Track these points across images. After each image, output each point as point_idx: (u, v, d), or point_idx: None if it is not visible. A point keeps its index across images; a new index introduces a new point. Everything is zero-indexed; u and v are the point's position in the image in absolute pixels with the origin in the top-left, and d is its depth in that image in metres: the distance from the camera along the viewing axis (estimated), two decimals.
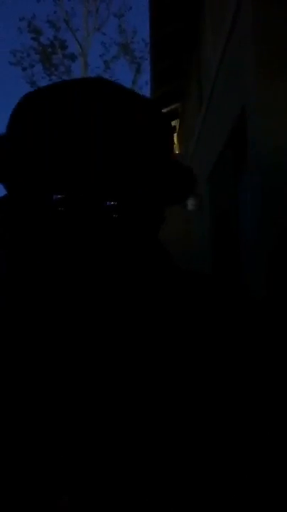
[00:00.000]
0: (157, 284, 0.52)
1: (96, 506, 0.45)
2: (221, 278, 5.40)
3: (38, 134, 0.46)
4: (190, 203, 7.42)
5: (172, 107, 9.45)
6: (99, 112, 0.46)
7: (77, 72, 17.33)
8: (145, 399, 0.47)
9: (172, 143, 0.52)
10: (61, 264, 0.46)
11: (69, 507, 0.45)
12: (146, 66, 16.43)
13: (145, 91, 14.79)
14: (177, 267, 0.56)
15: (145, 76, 16.35)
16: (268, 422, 0.50)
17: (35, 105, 0.47)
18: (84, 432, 0.46)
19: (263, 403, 0.50)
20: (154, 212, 0.49)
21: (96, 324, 0.47)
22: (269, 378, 0.52)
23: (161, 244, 0.55)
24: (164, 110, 9.27)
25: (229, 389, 0.50)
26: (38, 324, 0.47)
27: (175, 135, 10.90)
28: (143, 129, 0.48)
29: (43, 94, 0.48)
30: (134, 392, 0.47)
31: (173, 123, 10.25)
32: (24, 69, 16.86)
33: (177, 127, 10.47)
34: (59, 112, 0.46)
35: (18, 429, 0.46)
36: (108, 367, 0.47)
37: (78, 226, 0.45)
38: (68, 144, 0.45)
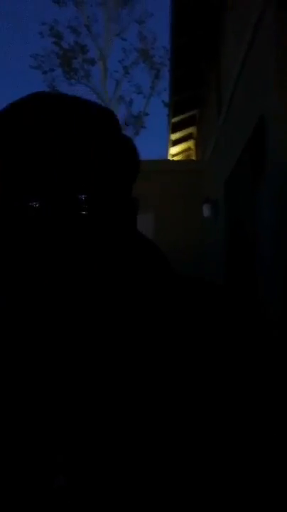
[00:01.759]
0: (145, 278, 0.52)
1: (93, 485, 0.46)
2: (234, 286, 5.37)
3: (8, 144, 0.49)
4: (206, 210, 7.40)
5: (190, 113, 9.46)
6: (59, 120, 0.50)
7: (97, 76, 17.49)
8: (139, 398, 0.48)
9: (119, 136, 0.56)
10: (39, 262, 0.47)
11: (66, 486, 0.46)
12: (165, 72, 16.49)
13: (164, 97, 14.83)
14: (168, 266, 0.56)
15: (164, 82, 16.42)
16: (267, 428, 0.50)
17: (3, 119, 0.51)
18: (82, 427, 0.47)
19: (263, 409, 0.50)
20: (122, 199, 0.52)
21: (81, 323, 0.48)
22: (265, 382, 0.52)
23: (149, 241, 0.56)
24: (181, 117, 9.27)
25: (222, 388, 0.50)
26: (23, 325, 0.49)
27: (193, 142, 10.90)
28: (99, 130, 0.52)
29: (10, 109, 0.52)
30: (127, 393, 0.48)
31: (191, 130, 10.26)
32: (44, 72, 17.08)
33: (195, 134, 10.47)
34: (24, 126, 0.49)
35: (15, 419, 0.47)
36: (100, 364, 0.48)
37: (55, 229, 0.47)
38: (37, 154, 0.48)
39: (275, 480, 0.48)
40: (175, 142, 10.46)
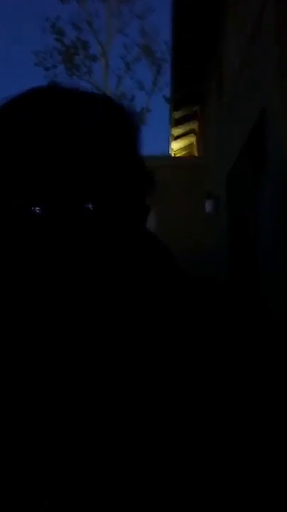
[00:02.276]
0: (153, 281, 0.52)
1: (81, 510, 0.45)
2: (237, 282, 5.33)
3: (6, 147, 0.47)
4: (208, 205, 7.38)
5: (192, 109, 9.42)
6: (62, 119, 0.47)
7: (99, 72, 17.41)
8: (142, 401, 0.48)
9: (136, 137, 0.53)
10: (44, 268, 0.46)
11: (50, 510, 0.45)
12: (167, 68, 16.41)
13: (166, 92, 14.76)
14: (176, 266, 0.56)
15: (166, 78, 16.34)
16: (269, 430, 0.50)
17: (12, 117, 0.48)
18: (81, 432, 0.47)
19: (266, 410, 0.51)
20: (130, 203, 0.50)
21: (86, 327, 0.48)
22: (271, 385, 0.52)
23: (158, 241, 0.55)
24: (183, 112, 9.21)
25: (227, 392, 0.50)
26: (23, 326, 0.48)
27: (194, 137, 10.86)
28: (107, 129, 0.49)
29: (6, 106, 0.48)
30: (130, 395, 0.48)
31: (193, 125, 10.22)
32: (47, 69, 17.03)
33: (197, 129, 10.43)
34: (23, 124, 0.47)
35: (9, 430, 0.47)
36: (101, 368, 0.48)
37: (60, 235, 0.45)
38: (41, 156, 0.46)
39: (275, 480, 0.48)
40: (177, 138, 10.42)
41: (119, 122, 0.50)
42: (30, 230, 0.46)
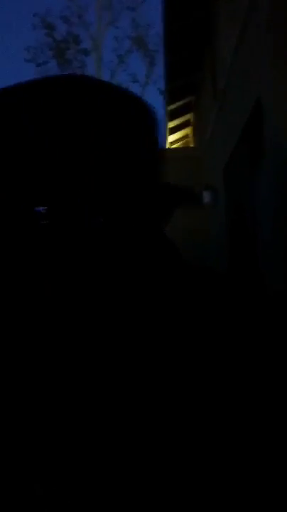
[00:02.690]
0: (162, 281, 0.51)
1: (72, 494, 0.44)
2: (236, 273, 5.36)
3: (18, 142, 0.44)
4: (206, 197, 7.37)
5: (186, 100, 9.38)
6: (83, 119, 0.44)
7: (91, 66, 17.31)
8: (148, 397, 0.47)
9: (157, 147, 0.50)
10: (47, 275, 0.45)
11: (43, 494, 0.45)
12: (160, 59, 16.32)
13: (160, 84, 14.71)
14: (185, 263, 0.55)
15: (159, 69, 16.27)
16: (269, 425, 0.50)
17: (9, 111, 0.44)
18: (80, 429, 0.46)
19: (267, 405, 0.50)
20: (142, 215, 0.48)
21: (89, 328, 0.47)
22: (273, 379, 0.52)
23: (168, 240, 0.54)
24: (178, 104, 9.19)
25: (232, 389, 0.50)
26: (34, 330, 0.47)
27: (190, 128, 10.83)
28: (125, 130, 0.45)
29: (18, 96, 0.45)
30: (135, 390, 0.48)
31: (188, 116, 10.18)
32: (38, 65, 16.94)
33: (192, 120, 10.39)
34: (38, 119, 0.43)
35: (8, 428, 0.46)
36: (107, 366, 0.48)
37: (62, 239, 0.44)
38: (49, 156, 0.43)
39: (275, 480, 0.48)
40: (173, 130, 10.39)
41: (141, 122, 0.47)
42: (33, 230, 0.44)
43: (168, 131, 10.31)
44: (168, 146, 10.87)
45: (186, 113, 9.95)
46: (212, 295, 0.54)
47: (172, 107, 9.23)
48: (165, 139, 10.81)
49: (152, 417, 0.47)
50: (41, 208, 0.43)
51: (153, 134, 0.49)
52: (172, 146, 11.03)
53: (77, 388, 0.47)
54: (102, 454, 0.46)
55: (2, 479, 0.45)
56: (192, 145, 10.88)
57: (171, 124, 10.02)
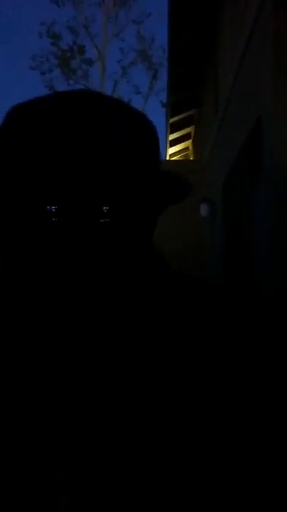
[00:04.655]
0: (152, 288, 0.52)
1: (95, 504, 0.45)
2: (233, 286, 5.36)
3: (29, 145, 0.46)
4: (203, 210, 7.39)
5: (188, 113, 9.46)
6: (88, 122, 0.47)
7: (95, 77, 17.47)
8: (142, 400, 0.48)
9: (158, 151, 0.54)
10: (56, 273, 0.46)
11: (69, 505, 0.45)
12: (163, 72, 16.49)
13: (162, 97, 14.83)
14: (173, 271, 0.56)
15: (162, 82, 16.41)
16: (268, 426, 0.50)
17: (26, 117, 0.48)
18: (84, 431, 0.47)
19: (265, 407, 0.50)
20: (145, 217, 0.50)
21: (91, 329, 0.48)
22: (268, 382, 0.52)
23: (155, 249, 0.55)
24: (180, 117, 9.25)
25: (226, 390, 0.50)
26: (34, 329, 0.48)
27: (191, 141, 10.90)
28: (132, 139, 0.49)
29: (34, 106, 0.48)
30: (131, 394, 0.48)
31: (189, 129, 10.25)
32: (43, 73, 17.06)
33: (193, 134, 10.47)
34: (49, 123, 0.46)
35: (17, 428, 0.47)
36: (104, 370, 0.48)
37: (72, 236, 0.46)
38: (59, 155, 0.45)
39: (276, 480, 0.48)
40: (173, 142, 10.46)
41: (142, 131, 0.50)
42: (44, 228, 0.45)
43: (168, 144, 10.38)
44: (167, 158, 10.93)
45: (187, 126, 10.02)
46: (201, 304, 0.55)
47: (174, 119, 9.30)
48: (165, 151, 10.88)
49: (148, 421, 0.47)
50: (52, 206, 0.45)
51: (156, 148, 0.52)
52: (172, 158, 11.09)
53: (77, 389, 0.47)
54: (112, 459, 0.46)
55: (26, 491, 0.45)
56: (192, 158, 10.94)
57: (172, 137, 10.08)
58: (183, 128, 10.01)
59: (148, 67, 17.16)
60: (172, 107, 8.93)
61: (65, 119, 0.46)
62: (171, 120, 9.28)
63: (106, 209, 0.46)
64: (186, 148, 11.28)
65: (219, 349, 0.52)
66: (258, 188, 4.22)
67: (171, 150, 10.84)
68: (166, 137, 10.02)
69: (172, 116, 9.16)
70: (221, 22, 6.36)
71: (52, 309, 0.47)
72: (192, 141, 10.80)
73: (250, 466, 0.48)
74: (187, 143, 11.01)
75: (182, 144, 10.92)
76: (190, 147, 11.14)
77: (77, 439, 0.47)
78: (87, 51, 17.02)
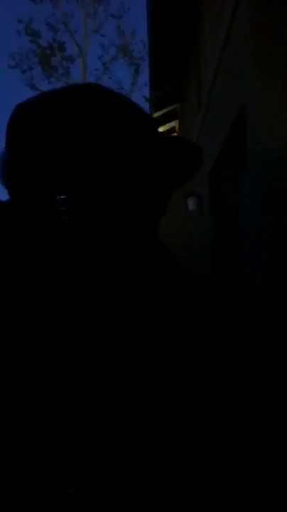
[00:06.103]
0: (156, 281, 0.52)
1: (106, 491, 0.46)
2: (222, 277, 5.40)
3: (39, 138, 0.47)
4: (191, 204, 7.41)
5: (172, 107, 9.45)
6: (96, 117, 0.48)
7: (76, 73, 17.37)
8: (145, 396, 0.48)
9: (155, 126, 0.55)
10: (64, 265, 0.47)
11: (79, 492, 0.46)
12: (145, 67, 16.48)
13: (145, 92, 14.82)
14: (177, 264, 0.56)
15: (145, 77, 16.40)
16: (267, 421, 0.50)
17: (34, 111, 0.49)
18: (93, 419, 0.47)
19: (262, 402, 0.51)
20: (155, 203, 0.51)
21: (96, 322, 0.48)
22: (268, 377, 0.52)
23: (161, 241, 0.56)
24: (163, 111, 9.24)
25: (227, 386, 0.50)
26: (38, 323, 0.48)
27: (175, 135, 10.89)
28: (134, 133, 0.50)
29: (42, 100, 0.50)
30: (134, 389, 0.48)
31: (173, 124, 10.25)
32: (23, 71, 16.89)
33: (177, 128, 10.47)
34: (57, 117, 0.48)
35: (26, 419, 0.47)
36: (108, 364, 0.48)
37: (82, 226, 0.46)
38: (68, 149, 0.47)
39: (275, 479, 0.48)
40: None
41: (139, 121, 0.52)
42: (51, 217, 0.46)
43: None
44: None
45: (171, 120, 10.02)
46: (203, 296, 0.55)
47: (158, 114, 9.29)
48: None
49: (148, 416, 0.47)
50: (61, 196, 0.46)
51: (153, 138, 0.54)
52: None
53: (84, 379, 0.48)
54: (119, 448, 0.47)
55: (37, 480, 0.46)
56: None
57: None
58: (167, 122, 10.00)
59: (130, 62, 17.10)
60: (156, 102, 8.91)
61: (68, 114, 0.48)
62: (155, 115, 9.26)
63: (110, 196, 0.47)
64: None
65: (218, 341, 0.52)
66: (243, 177, 4.24)
67: None
68: None
69: (156, 111, 9.15)
70: (202, 14, 6.36)
71: (57, 298, 0.47)
72: (177, 135, 10.80)
73: (250, 461, 0.48)
74: None
75: None
76: None
77: (86, 427, 0.47)
78: (67, 48, 16.93)
